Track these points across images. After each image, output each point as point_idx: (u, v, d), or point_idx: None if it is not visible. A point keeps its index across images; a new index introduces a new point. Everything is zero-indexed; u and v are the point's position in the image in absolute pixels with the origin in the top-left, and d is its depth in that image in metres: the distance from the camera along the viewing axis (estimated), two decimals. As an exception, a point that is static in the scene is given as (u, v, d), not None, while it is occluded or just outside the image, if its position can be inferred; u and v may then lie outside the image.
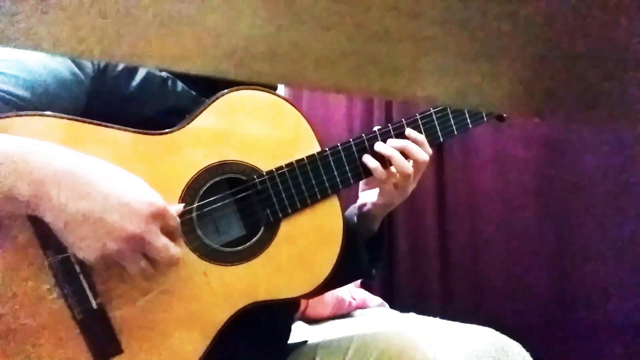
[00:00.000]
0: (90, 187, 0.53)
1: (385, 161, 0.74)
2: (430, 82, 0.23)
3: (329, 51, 0.19)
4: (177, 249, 0.58)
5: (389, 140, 0.75)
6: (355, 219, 0.83)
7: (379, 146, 0.75)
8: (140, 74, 0.69)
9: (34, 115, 0.57)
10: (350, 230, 0.78)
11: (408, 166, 0.74)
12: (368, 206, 0.81)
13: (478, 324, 1.51)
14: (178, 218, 0.60)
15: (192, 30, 0.18)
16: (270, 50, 0.19)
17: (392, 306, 1.92)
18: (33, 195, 0.51)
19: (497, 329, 1.46)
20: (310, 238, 0.72)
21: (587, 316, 1.48)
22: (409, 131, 0.76)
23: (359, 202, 0.84)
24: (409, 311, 1.79)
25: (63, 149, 0.55)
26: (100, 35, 0.18)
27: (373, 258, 0.83)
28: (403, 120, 0.77)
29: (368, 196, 0.82)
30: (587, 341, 1.47)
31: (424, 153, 0.75)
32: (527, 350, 1.42)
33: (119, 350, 0.58)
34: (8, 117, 0.55)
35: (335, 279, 0.73)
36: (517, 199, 1.67)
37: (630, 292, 1.39)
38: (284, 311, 0.81)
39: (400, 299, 1.98)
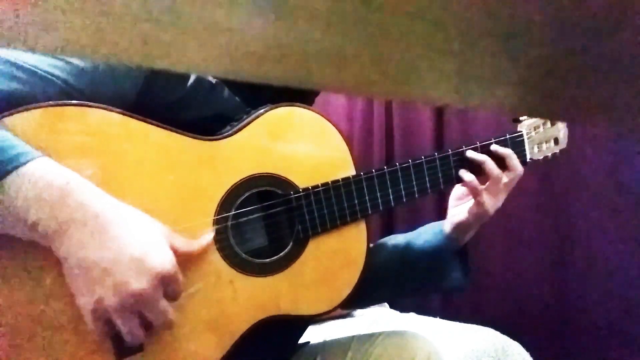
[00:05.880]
0: (109, 236, 0.52)
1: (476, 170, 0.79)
2: (431, 82, 0.23)
3: (331, 51, 0.19)
4: (174, 315, 0.57)
5: (469, 152, 0.80)
6: (443, 234, 0.82)
7: (471, 153, 0.79)
8: (193, 76, 0.68)
9: (84, 105, 0.57)
10: (437, 247, 0.81)
11: (498, 170, 0.78)
12: (462, 217, 0.81)
13: (478, 324, 1.51)
14: (181, 286, 0.57)
15: (193, 30, 0.18)
16: (272, 50, 0.19)
17: (392, 306, 1.92)
18: (56, 233, 0.50)
19: (497, 329, 1.46)
20: (335, 259, 0.73)
21: (587, 316, 1.48)
22: (489, 149, 0.80)
23: (450, 215, 0.84)
24: (409, 311, 1.79)
25: (101, 193, 0.54)
26: (100, 35, 0.18)
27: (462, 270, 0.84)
28: (449, 150, 0.80)
29: (462, 208, 0.82)
30: (586, 341, 1.48)
31: (519, 164, 0.81)
32: (527, 350, 1.42)
33: (140, 348, 0.58)
34: (58, 105, 0.55)
35: (422, 291, 0.73)
36: (516, 199, 1.66)
37: (630, 293, 1.39)
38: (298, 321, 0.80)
39: (400, 299, 1.98)
